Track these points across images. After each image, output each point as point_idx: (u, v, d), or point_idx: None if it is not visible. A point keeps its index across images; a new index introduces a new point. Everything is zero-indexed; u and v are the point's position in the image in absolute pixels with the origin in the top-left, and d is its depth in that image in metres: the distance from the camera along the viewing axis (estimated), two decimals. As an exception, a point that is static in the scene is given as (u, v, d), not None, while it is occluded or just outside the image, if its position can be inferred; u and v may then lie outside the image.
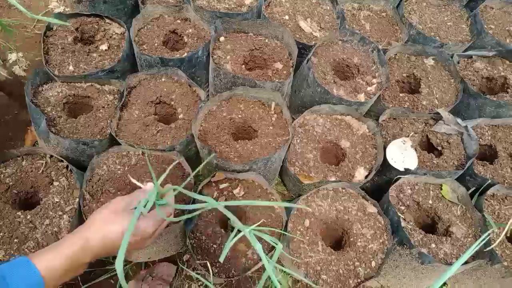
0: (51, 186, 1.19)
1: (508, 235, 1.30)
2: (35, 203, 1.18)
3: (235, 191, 1.28)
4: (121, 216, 0.82)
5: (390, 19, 1.86)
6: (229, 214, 0.79)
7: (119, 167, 1.26)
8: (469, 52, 1.75)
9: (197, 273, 1.35)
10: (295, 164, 1.39)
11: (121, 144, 1.28)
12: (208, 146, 1.28)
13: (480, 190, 1.37)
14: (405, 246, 1.20)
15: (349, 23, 1.79)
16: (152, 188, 0.88)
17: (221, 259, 1.05)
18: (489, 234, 1.22)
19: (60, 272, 0.75)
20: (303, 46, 1.59)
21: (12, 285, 0.67)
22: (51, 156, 1.25)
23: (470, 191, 1.37)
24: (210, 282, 1.14)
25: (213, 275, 1.12)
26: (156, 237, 0.90)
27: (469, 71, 1.70)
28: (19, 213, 1.13)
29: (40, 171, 1.22)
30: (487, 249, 1.18)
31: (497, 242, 1.15)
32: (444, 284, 1.46)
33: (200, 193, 1.26)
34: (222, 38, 1.59)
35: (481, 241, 0.89)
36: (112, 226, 0.80)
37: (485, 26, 1.81)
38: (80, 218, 1.14)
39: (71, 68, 1.44)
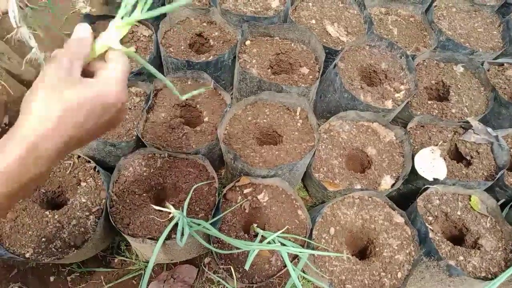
0: (78, 186, 1.21)
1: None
2: (62, 203, 1.20)
3: (259, 196, 1.27)
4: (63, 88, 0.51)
5: (418, 24, 1.83)
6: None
7: (145, 169, 1.27)
8: (501, 60, 1.71)
9: (218, 276, 1.35)
10: (320, 170, 1.37)
11: (147, 146, 1.29)
12: (234, 151, 1.28)
13: None
14: (432, 257, 1.17)
15: (377, 28, 1.76)
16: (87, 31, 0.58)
17: (247, 267, 1.06)
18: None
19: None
20: (329, 51, 1.57)
21: None
22: (79, 156, 1.27)
23: (499, 202, 1.34)
24: (233, 287, 1.13)
25: (236, 280, 1.11)
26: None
27: (500, 79, 1.66)
28: (47, 212, 1.15)
29: (68, 171, 1.24)
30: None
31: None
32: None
33: (225, 197, 1.26)
34: (248, 42, 1.59)
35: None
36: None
37: (518, 33, 1.76)
38: (107, 219, 1.15)
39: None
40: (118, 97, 0.57)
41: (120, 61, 0.58)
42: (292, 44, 1.60)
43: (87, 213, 1.16)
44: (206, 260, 1.43)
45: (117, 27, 0.60)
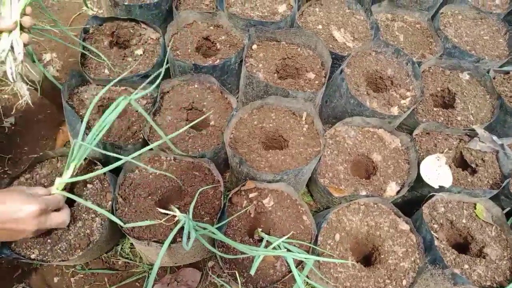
0: (84, 188, 1.21)
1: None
2: (68, 205, 1.20)
3: (265, 201, 1.27)
4: (11, 193, 0.93)
5: (424, 31, 1.83)
6: None
7: (151, 171, 1.27)
8: (506, 68, 1.71)
9: (222, 280, 1.34)
10: (325, 176, 1.37)
11: (153, 149, 1.29)
12: (240, 155, 1.28)
13: (516, 211, 1.33)
14: (437, 265, 1.16)
15: (383, 34, 1.77)
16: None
17: (252, 272, 1.05)
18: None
19: None
20: (335, 56, 1.57)
21: None
22: (85, 158, 1.27)
23: (505, 211, 1.34)
24: (237, 292, 1.13)
25: (241, 285, 1.11)
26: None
27: (506, 87, 1.66)
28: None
29: (75, 173, 1.23)
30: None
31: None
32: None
33: (230, 201, 1.26)
34: (254, 46, 1.59)
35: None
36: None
37: (524, 41, 1.77)
38: (112, 221, 1.15)
39: (106, 71, 1.46)
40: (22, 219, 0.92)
41: (54, 196, 1.04)
42: (299, 49, 1.60)
43: (93, 215, 1.16)
44: (210, 263, 1.43)
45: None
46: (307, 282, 1.34)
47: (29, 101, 1.13)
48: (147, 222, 1.08)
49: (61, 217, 1.05)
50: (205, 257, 1.42)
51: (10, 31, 1.03)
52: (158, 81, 1.27)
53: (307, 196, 1.63)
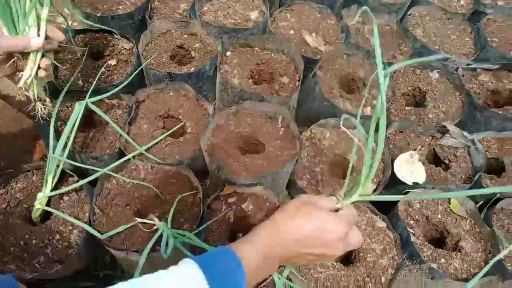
0: (61, 200, 1.20)
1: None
2: (45, 218, 1.19)
3: (244, 205, 1.28)
4: (315, 210, 0.72)
5: (394, 32, 1.88)
6: None
7: (129, 181, 1.26)
8: (474, 65, 1.77)
9: (205, 288, 1.34)
10: (302, 178, 1.39)
11: (130, 158, 1.29)
12: (217, 161, 1.29)
13: (488, 204, 1.37)
14: (414, 261, 1.19)
15: (354, 37, 1.80)
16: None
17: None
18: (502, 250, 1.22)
19: (256, 263, 0.69)
20: (308, 60, 1.60)
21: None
22: (62, 170, 1.26)
23: (478, 205, 1.38)
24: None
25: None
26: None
27: (474, 84, 1.71)
28: (30, 227, 1.13)
29: (53, 185, 1.22)
30: (491, 262, 1.18)
31: (501, 255, 1.15)
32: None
33: (209, 207, 1.27)
34: (228, 53, 1.61)
35: (497, 257, 0.89)
36: (306, 217, 0.71)
37: (489, 39, 1.83)
38: (89, 232, 1.14)
39: (80, 83, 1.46)
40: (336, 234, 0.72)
41: (351, 211, 0.78)
42: (272, 54, 1.63)
43: (70, 228, 1.15)
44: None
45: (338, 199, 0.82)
46: (290, 286, 1.35)
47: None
48: (123, 227, 1.08)
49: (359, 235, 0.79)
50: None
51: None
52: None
53: (288, 199, 1.64)
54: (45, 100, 1.11)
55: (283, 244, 0.71)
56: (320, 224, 0.70)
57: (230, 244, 0.71)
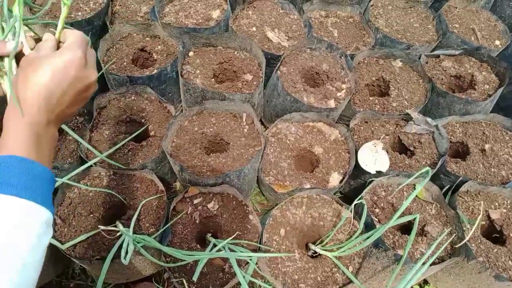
0: (21, 213, 1.17)
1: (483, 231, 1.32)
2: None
3: (210, 205, 1.27)
4: (38, 59, 0.66)
5: (357, 24, 1.89)
6: None
7: (90, 189, 1.25)
8: (436, 52, 1.79)
9: (178, 291, 1.33)
10: (269, 173, 1.39)
11: (92, 166, 1.27)
12: (180, 163, 1.28)
13: (453, 188, 1.39)
14: (380, 248, 1.20)
15: (317, 31, 1.81)
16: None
17: (195, 278, 1.05)
18: (456, 233, 1.23)
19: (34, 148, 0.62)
20: (272, 57, 1.60)
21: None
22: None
23: (444, 189, 1.39)
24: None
25: (190, 292, 1.11)
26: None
27: (437, 71, 1.73)
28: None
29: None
30: (458, 245, 1.19)
31: (468, 237, 1.17)
32: (426, 283, 1.47)
33: (174, 209, 1.26)
34: (191, 53, 1.60)
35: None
36: (36, 74, 0.64)
37: (450, 26, 1.85)
38: (51, 244, 1.12)
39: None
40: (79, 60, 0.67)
41: (73, 35, 0.71)
42: (235, 52, 1.62)
43: (31, 240, 1.13)
44: (166, 275, 1.42)
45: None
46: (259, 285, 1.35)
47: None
48: (85, 236, 1.07)
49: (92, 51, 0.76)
50: (160, 270, 1.40)
51: None
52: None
53: (260, 196, 1.64)
54: None
55: (39, 113, 0.64)
56: (52, 67, 0.65)
57: None
